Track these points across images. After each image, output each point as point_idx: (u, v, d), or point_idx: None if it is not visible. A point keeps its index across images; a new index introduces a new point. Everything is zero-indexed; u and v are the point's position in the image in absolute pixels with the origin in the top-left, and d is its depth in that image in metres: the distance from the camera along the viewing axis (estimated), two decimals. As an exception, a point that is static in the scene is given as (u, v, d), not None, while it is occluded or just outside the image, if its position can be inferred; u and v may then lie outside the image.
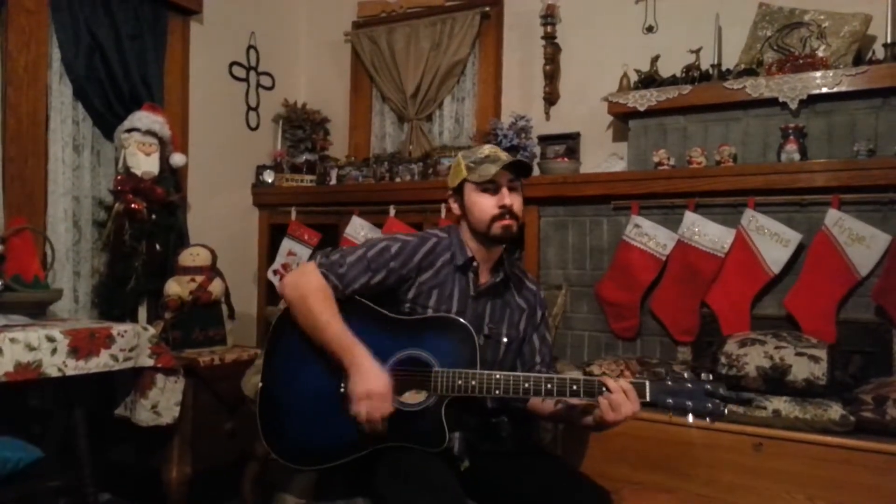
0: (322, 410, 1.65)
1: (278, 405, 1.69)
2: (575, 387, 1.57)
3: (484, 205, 1.72)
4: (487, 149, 1.77)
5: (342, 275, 1.68)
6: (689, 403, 1.51)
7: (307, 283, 1.66)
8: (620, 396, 1.51)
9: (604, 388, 1.53)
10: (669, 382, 1.55)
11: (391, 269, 1.70)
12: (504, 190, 1.71)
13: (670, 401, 1.52)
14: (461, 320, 1.66)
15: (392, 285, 1.72)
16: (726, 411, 1.52)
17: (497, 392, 1.59)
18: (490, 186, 1.71)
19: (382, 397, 1.56)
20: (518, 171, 1.74)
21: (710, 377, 1.56)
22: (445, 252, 1.76)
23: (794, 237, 2.61)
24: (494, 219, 1.70)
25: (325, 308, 1.64)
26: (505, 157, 1.72)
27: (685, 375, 1.58)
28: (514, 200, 1.72)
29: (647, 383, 1.54)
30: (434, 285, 1.73)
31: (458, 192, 1.78)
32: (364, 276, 1.69)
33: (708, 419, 1.52)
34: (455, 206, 1.81)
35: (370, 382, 1.56)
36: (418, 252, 1.74)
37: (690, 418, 1.52)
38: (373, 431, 1.57)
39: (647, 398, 1.53)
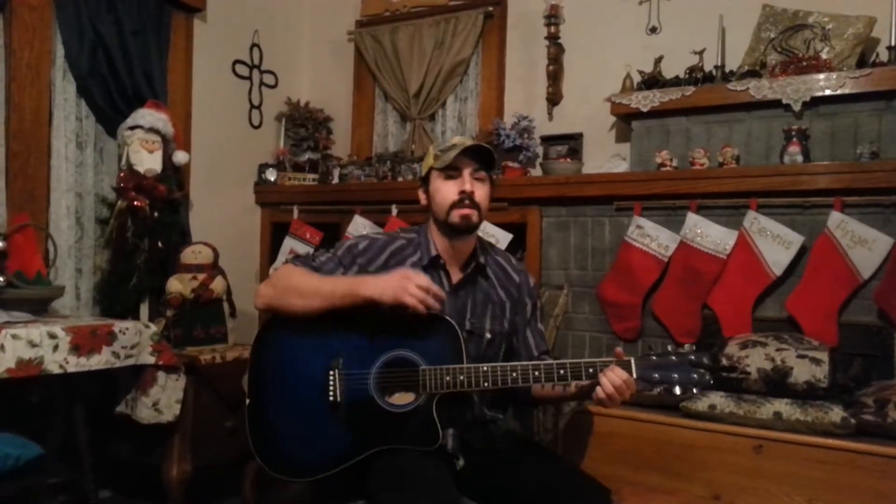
0: (313, 421, 1.65)
1: (268, 420, 1.69)
2: (562, 371, 1.58)
3: (445, 191, 1.71)
4: (456, 138, 1.77)
5: (316, 267, 1.71)
6: (676, 376, 1.53)
7: (282, 271, 1.72)
8: (618, 389, 1.54)
9: (590, 371, 1.56)
10: (654, 358, 1.57)
11: (360, 265, 1.72)
12: (466, 176, 1.70)
13: (656, 375, 1.54)
14: (444, 316, 1.66)
15: None
16: (712, 381, 1.54)
17: (486, 384, 1.59)
18: (453, 173, 1.70)
19: (406, 275, 1.58)
20: (482, 160, 1.72)
21: (694, 348, 1.57)
22: (414, 253, 1.76)
23: (797, 239, 2.61)
24: (453, 205, 1.69)
25: (311, 275, 1.68)
26: (470, 143, 1.71)
27: (668, 349, 1.58)
28: (476, 188, 1.70)
29: (633, 360, 1.56)
30: None
31: (426, 181, 1.78)
32: (337, 272, 1.71)
33: (695, 390, 1.53)
34: (423, 197, 1.81)
35: (387, 281, 1.59)
36: (384, 251, 1.75)
37: (678, 390, 1.53)
38: (434, 300, 1.58)
39: (634, 375, 1.55)
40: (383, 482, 1.54)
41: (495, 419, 1.81)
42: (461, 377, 1.59)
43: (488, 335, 1.77)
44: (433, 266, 1.75)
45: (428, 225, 1.80)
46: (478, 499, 1.64)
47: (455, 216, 1.69)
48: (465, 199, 1.69)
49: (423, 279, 1.59)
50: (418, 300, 1.56)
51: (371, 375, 1.63)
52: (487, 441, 1.74)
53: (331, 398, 1.63)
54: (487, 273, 1.82)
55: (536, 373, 1.58)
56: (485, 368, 1.60)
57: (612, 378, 1.54)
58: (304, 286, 1.65)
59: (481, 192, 1.72)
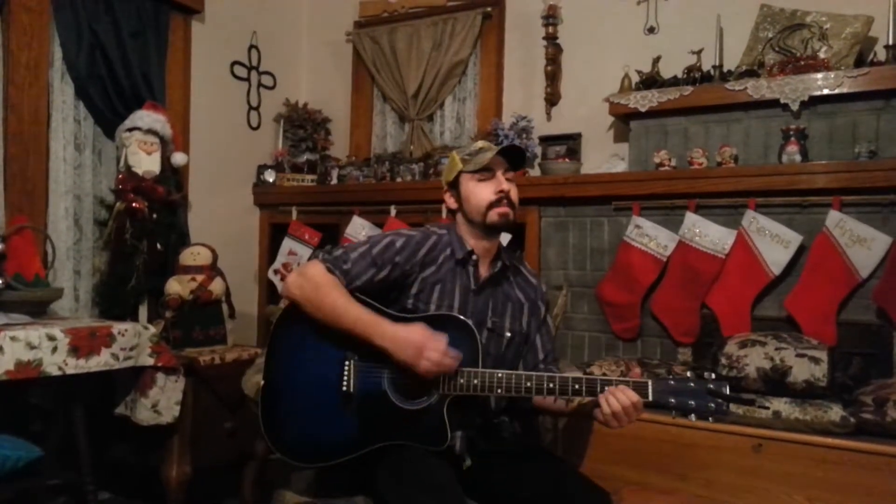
0: (324, 408, 1.65)
1: (280, 403, 1.69)
2: (577, 386, 1.56)
3: (481, 193, 1.74)
4: (481, 143, 1.83)
5: (347, 270, 1.68)
6: (692, 403, 1.51)
7: (314, 277, 1.66)
8: (623, 414, 1.51)
9: (606, 388, 1.53)
10: (672, 382, 1.55)
11: (396, 263, 1.71)
12: (500, 176, 1.75)
13: (673, 400, 1.52)
14: (463, 318, 1.66)
15: (396, 280, 1.73)
16: (729, 410, 1.52)
17: (499, 391, 1.59)
18: (486, 175, 1.75)
19: (430, 341, 1.56)
20: (512, 159, 1.77)
21: (713, 376, 1.55)
22: (446, 248, 1.78)
23: (795, 238, 2.61)
24: (491, 205, 1.73)
25: (338, 295, 1.64)
26: (500, 146, 1.77)
27: (688, 375, 1.57)
28: (510, 188, 1.75)
29: (650, 383, 1.54)
30: (436, 281, 1.74)
31: (454, 186, 1.81)
32: (369, 272, 1.69)
33: (710, 418, 1.51)
34: (451, 201, 1.83)
35: (411, 340, 1.56)
36: (422, 247, 1.75)
37: (693, 418, 1.52)
38: (450, 370, 1.57)
39: (650, 398, 1.53)
40: (389, 481, 1.54)
41: (502, 422, 1.81)
42: (475, 381, 1.59)
43: (508, 334, 1.78)
44: (466, 262, 1.77)
45: (455, 225, 1.82)
46: (481, 499, 1.64)
47: (494, 215, 1.73)
48: (503, 198, 1.73)
49: (441, 344, 1.56)
50: (433, 363, 1.54)
51: (386, 370, 1.63)
52: (494, 443, 1.75)
53: (343, 388, 1.63)
54: (509, 275, 1.85)
55: (551, 384, 1.57)
56: (499, 375, 1.59)
57: (622, 398, 1.50)
58: (327, 306, 1.63)
59: (514, 191, 1.77)
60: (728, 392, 1.51)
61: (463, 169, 1.77)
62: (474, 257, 1.77)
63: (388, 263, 1.71)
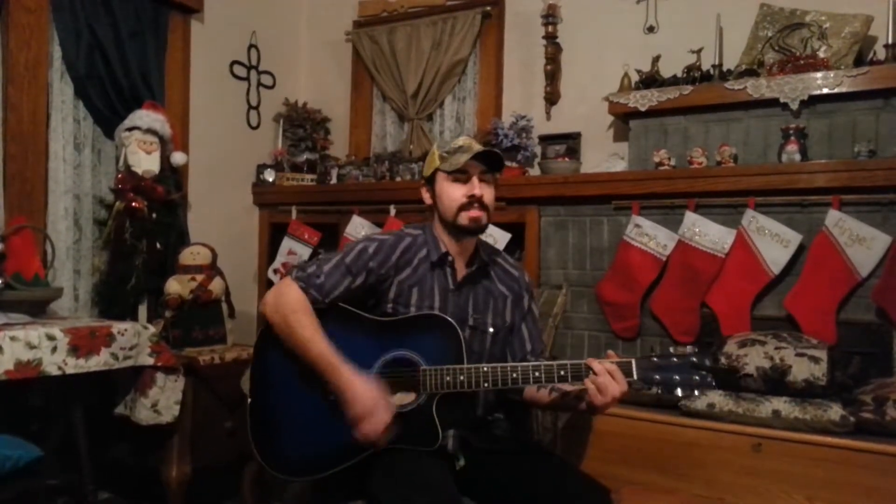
0: (313, 420, 1.65)
1: (269, 419, 1.69)
2: (563, 372, 1.56)
3: (453, 194, 1.72)
4: (462, 139, 1.78)
5: (321, 285, 1.67)
6: (677, 377, 1.51)
7: (287, 302, 1.66)
8: (606, 378, 1.51)
9: (590, 372, 1.53)
10: (655, 359, 1.55)
11: (370, 269, 1.71)
12: (474, 180, 1.71)
13: (657, 377, 1.53)
14: (444, 316, 1.66)
15: (372, 286, 1.72)
16: (714, 383, 1.52)
17: (486, 385, 1.59)
18: (461, 176, 1.72)
19: (379, 412, 1.55)
20: (490, 163, 1.73)
21: (696, 349, 1.55)
22: (421, 250, 1.76)
23: (795, 238, 2.61)
24: (462, 208, 1.71)
25: (306, 326, 1.63)
26: (478, 147, 1.72)
27: (671, 350, 1.57)
28: (484, 192, 1.72)
29: (634, 361, 1.54)
30: (413, 283, 1.73)
31: (431, 181, 1.79)
32: (344, 281, 1.69)
33: (696, 391, 1.51)
34: (427, 196, 1.82)
35: (363, 400, 1.55)
36: (395, 250, 1.74)
37: (679, 392, 1.52)
38: (378, 444, 1.56)
39: (635, 376, 1.53)
40: (384, 482, 1.53)
41: (496, 419, 1.81)
42: (461, 377, 1.59)
43: (491, 329, 1.77)
44: (442, 263, 1.75)
45: (433, 223, 1.81)
46: (477, 499, 1.64)
47: (464, 218, 1.71)
48: (475, 202, 1.70)
49: (385, 421, 1.55)
50: (364, 436, 1.55)
51: (371, 375, 1.63)
52: (488, 441, 1.74)
53: (331, 397, 1.63)
54: (489, 270, 1.83)
55: (537, 373, 1.57)
56: (485, 369, 1.59)
57: (607, 364, 1.52)
58: (295, 333, 1.63)
59: (489, 195, 1.74)
60: (710, 363, 1.51)
61: (439, 167, 1.75)
62: (450, 258, 1.76)
63: (363, 270, 1.70)
